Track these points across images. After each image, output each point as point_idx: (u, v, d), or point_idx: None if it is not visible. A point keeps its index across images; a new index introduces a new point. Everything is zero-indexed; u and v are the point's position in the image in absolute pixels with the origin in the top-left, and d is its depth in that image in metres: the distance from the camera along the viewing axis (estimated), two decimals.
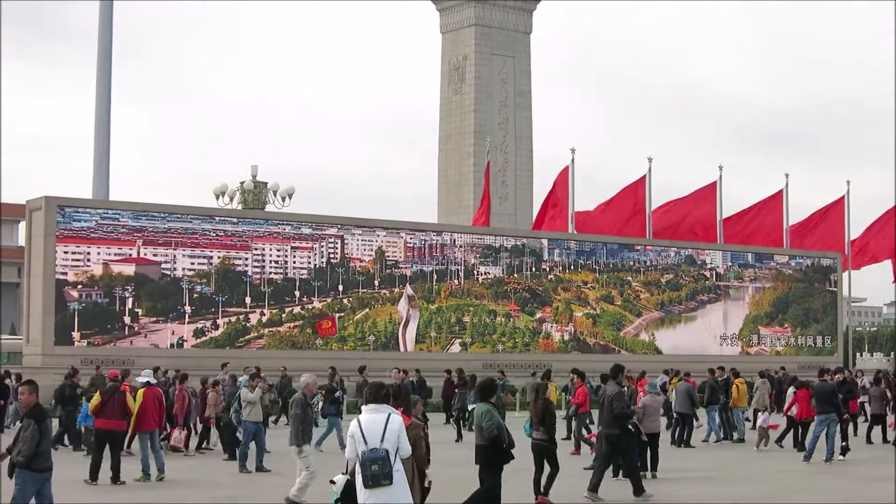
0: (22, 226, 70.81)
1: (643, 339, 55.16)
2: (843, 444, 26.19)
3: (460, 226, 61.87)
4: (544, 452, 17.95)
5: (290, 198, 51.32)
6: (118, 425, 21.07)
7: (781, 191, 63.46)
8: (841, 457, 25.47)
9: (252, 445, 23.44)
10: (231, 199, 50.83)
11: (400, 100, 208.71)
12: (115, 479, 20.65)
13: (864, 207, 76.57)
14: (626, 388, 21.81)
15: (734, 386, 32.17)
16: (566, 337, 52.89)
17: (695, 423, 30.43)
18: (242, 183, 51.13)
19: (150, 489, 20.46)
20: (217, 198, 50.23)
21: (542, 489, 17.79)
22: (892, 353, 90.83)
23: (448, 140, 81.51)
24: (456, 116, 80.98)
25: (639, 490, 18.55)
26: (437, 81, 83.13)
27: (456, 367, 38.61)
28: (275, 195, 51.48)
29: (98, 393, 21.52)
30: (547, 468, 18.09)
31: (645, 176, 59.60)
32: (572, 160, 57.88)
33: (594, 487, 18.41)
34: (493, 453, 14.96)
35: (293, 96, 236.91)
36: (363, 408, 11.33)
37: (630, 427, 19.42)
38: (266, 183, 51.67)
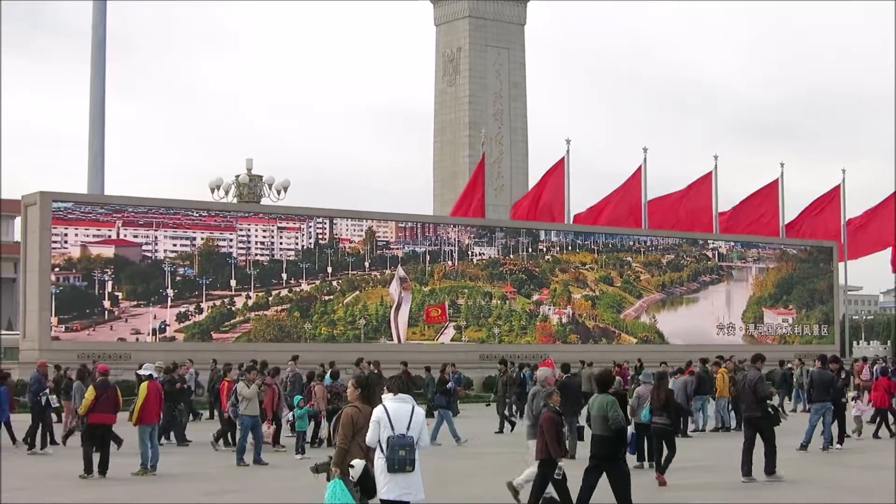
0: (18, 221, 68.26)
1: (644, 322, 51.38)
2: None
3: (454, 218, 57.93)
4: (664, 436, 19.45)
5: (285, 191, 49.77)
6: (110, 419, 20.65)
7: (777, 180, 60.04)
8: (838, 445, 24.78)
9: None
10: (226, 192, 48.97)
11: (395, 92, 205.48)
12: (103, 472, 19.98)
13: (859, 196, 73.34)
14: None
15: (718, 375, 30.92)
16: (564, 320, 49.14)
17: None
18: (238, 176, 49.48)
19: (148, 483, 19.64)
20: (212, 191, 48.54)
21: (660, 469, 19.01)
22: (889, 342, 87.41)
23: (443, 132, 79.31)
24: (451, 108, 78.61)
25: (771, 469, 18.83)
26: (432, 73, 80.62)
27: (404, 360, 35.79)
28: (270, 188, 49.88)
29: (92, 388, 20.78)
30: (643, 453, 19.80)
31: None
32: (567, 151, 54.65)
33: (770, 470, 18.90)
34: (619, 443, 15.08)
35: (288, 91, 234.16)
36: (385, 397, 11.15)
37: (770, 410, 19.74)
38: (261, 176, 50.02)
